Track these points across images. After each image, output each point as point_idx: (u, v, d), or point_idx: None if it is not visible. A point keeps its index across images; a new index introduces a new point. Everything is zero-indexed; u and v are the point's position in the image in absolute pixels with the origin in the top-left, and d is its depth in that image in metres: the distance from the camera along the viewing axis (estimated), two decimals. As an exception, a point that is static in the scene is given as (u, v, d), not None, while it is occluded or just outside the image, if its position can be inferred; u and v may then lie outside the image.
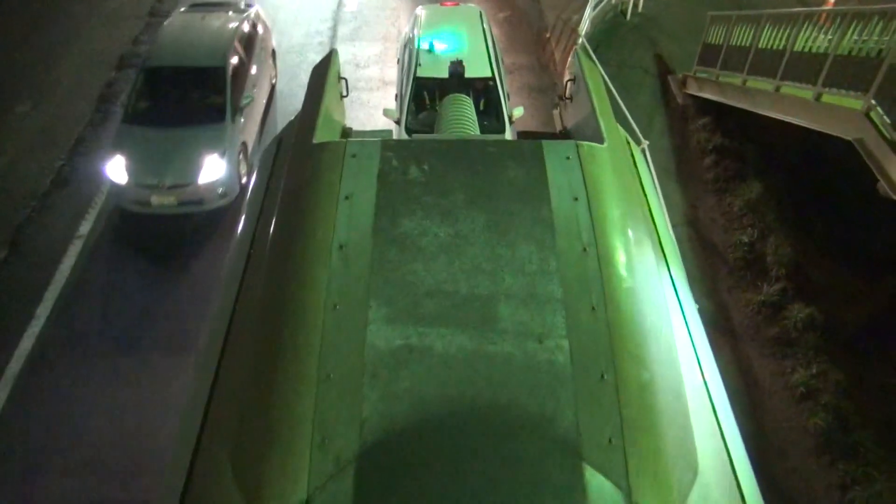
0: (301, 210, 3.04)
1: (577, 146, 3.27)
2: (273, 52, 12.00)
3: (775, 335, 7.73)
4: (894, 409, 6.94)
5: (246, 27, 10.76)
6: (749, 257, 8.64)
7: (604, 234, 2.90)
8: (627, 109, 9.45)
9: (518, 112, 9.01)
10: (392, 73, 11.84)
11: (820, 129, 8.14)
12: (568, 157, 3.21)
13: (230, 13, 11.08)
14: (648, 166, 3.98)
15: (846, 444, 6.58)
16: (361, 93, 11.80)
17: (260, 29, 11.36)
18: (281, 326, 2.63)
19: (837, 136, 7.79)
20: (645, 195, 3.62)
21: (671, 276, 3.20)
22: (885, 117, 7.17)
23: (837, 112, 7.87)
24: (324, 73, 4.12)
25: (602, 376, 2.44)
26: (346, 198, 2.99)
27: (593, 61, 4.36)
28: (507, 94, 9.30)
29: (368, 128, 10.83)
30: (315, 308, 2.61)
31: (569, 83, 4.49)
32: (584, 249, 2.83)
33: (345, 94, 4.46)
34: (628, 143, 4.05)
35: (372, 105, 11.46)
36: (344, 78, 4.40)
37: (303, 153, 3.35)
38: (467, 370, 2.43)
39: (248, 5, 11.59)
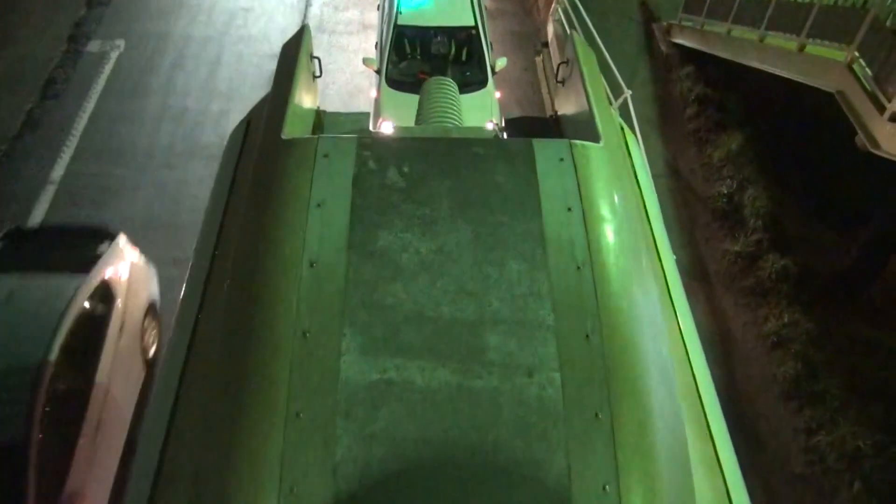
0: (268, 219, 2.74)
1: (571, 146, 2.99)
2: None
3: (750, 285, 7.86)
4: (860, 358, 7.15)
5: None
6: (727, 208, 8.72)
7: (599, 250, 2.66)
8: (611, 58, 9.34)
9: (501, 63, 8.81)
10: (372, 16, 11.55)
11: (802, 80, 8.12)
12: (561, 159, 2.94)
13: None
14: (641, 153, 3.84)
15: (813, 391, 6.78)
16: (340, 37, 11.52)
17: None
18: (245, 356, 2.37)
19: (819, 89, 7.78)
20: (641, 194, 3.40)
21: (668, 290, 3.00)
22: (867, 69, 7.16)
23: (820, 63, 7.84)
24: (294, 54, 3.69)
25: (596, 415, 2.24)
26: (318, 205, 2.70)
27: (588, 46, 4.06)
28: (490, 44, 9.09)
29: (347, 73, 10.63)
30: (283, 335, 2.36)
31: (561, 65, 4.16)
32: (578, 268, 2.59)
33: (318, 74, 4.12)
34: (623, 129, 3.81)
35: (351, 50, 11.21)
36: (316, 57, 4.07)
37: (270, 150, 3.04)
38: (450, 409, 2.23)
39: None
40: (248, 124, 3.72)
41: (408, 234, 2.64)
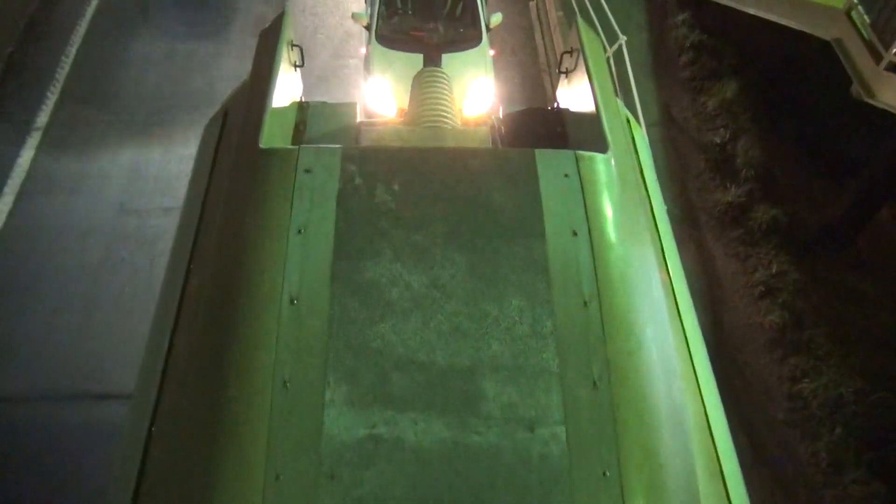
0: (244, 248, 2.48)
1: (577, 159, 2.73)
2: None
3: (740, 236, 7.91)
4: (846, 308, 7.26)
5: None
6: (720, 158, 8.69)
7: (609, 282, 2.43)
8: (606, 2, 9.15)
9: (496, 19, 8.52)
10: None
11: (799, 27, 8.00)
12: (566, 175, 2.68)
13: None
14: (647, 147, 3.62)
15: (799, 340, 6.91)
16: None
17: None
18: (219, 408, 2.15)
19: (816, 37, 7.68)
20: (650, 198, 3.17)
21: (681, 319, 2.76)
22: (865, 17, 7.06)
23: (818, 10, 7.71)
24: (273, 43, 3.35)
25: (604, 473, 2.07)
26: (299, 231, 2.45)
27: (595, 33, 3.87)
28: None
29: (336, 15, 10.36)
30: (262, 385, 2.15)
31: (564, 55, 3.88)
32: (585, 304, 2.36)
33: (300, 63, 3.85)
34: (629, 122, 3.56)
35: (343, 8, 10.86)
36: (298, 46, 3.77)
37: (247, 160, 2.76)
38: (445, 469, 2.05)
39: None
40: (224, 115, 3.45)
41: (398, 265, 2.40)
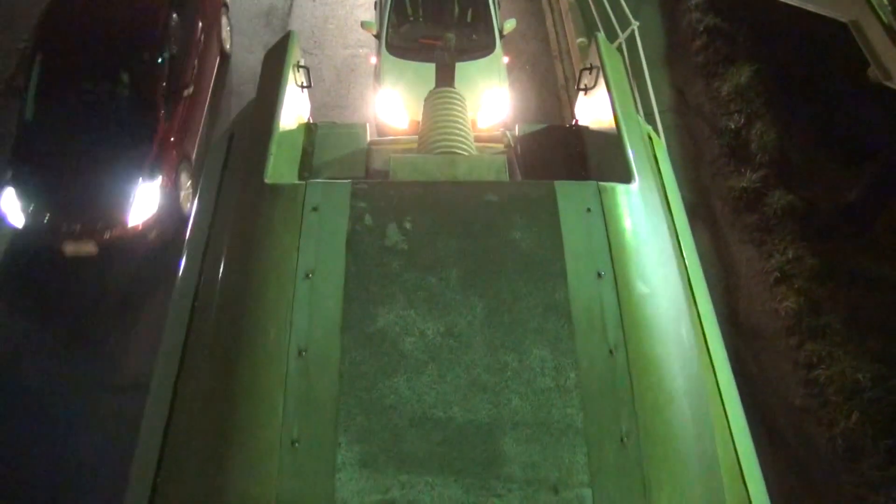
0: (249, 294, 2.35)
1: (600, 192, 2.57)
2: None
3: (755, 222, 7.84)
4: (862, 293, 7.18)
5: None
6: (734, 144, 8.61)
7: (636, 328, 2.27)
8: (619, -13, 9.05)
9: (510, 25, 8.27)
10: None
11: (815, 9, 7.88)
12: (588, 209, 2.52)
13: None
14: (670, 167, 3.46)
15: (815, 326, 6.85)
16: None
17: None
18: (224, 474, 2.01)
19: (832, 19, 7.56)
20: (675, 227, 3.00)
21: (710, 356, 2.61)
22: (883, -1, 6.94)
23: (834, -8, 7.60)
24: (279, 66, 3.23)
25: None
26: (307, 276, 2.32)
27: (613, 49, 3.64)
28: (498, 3, 8.56)
29: (347, 6, 10.32)
30: (268, 445, 2.02)
31: (584, 72, 3.71)
32: (611, 352, 2.22)
33: (307, 84, 3.70)
34: (650, 137, 3.42)
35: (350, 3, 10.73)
36: (304, 67, 3.62)
37: (252, 196, 2.64)
38: None
39: None
40: (230, 137, 3.36)
41: (411, 312, 2.26)
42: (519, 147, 3.79)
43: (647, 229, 2.58)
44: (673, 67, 9.78)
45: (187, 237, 3.07)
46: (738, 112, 8.84)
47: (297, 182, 2.67)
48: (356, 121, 6.02)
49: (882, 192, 7.64)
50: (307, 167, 3.43)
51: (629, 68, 8.33)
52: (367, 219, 2.46)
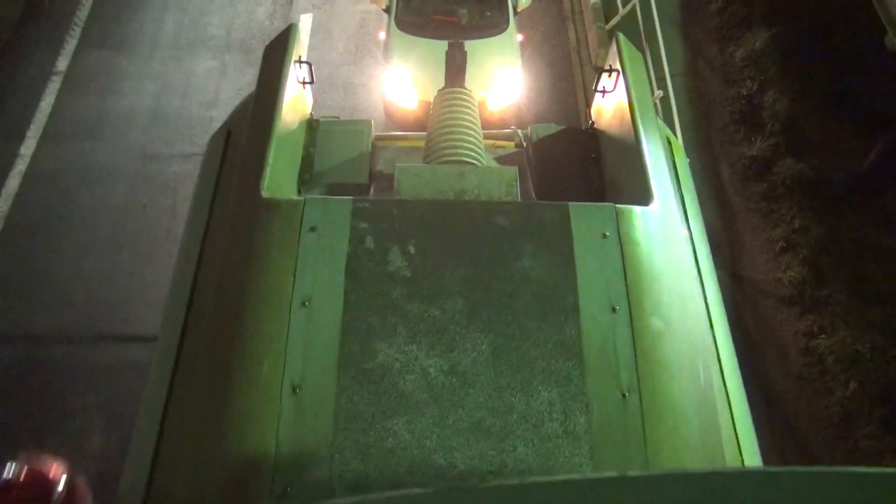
0: (240, 323, 2.21)
1: (617, 216, 2.42)
2: None
3: (762, 190, 7.80)
4: (867, 264, 7.18)
5: None
6: (745, 110, 8.51)
7: (651, 369, 2.15)
8: (634, -53, 8.84)
9: (524, 1, 8.01)
10: None
11: (835, -26, 7.71)
12: (605, 235, 2.38)
13: None
14: (687, 166, 3.31)
15: (818, 296, 6.87)
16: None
17: None
18: None
19: (852, -16, 7.40)
20: (693, 243, 2.84)
21: (729, 400, 2.44)
22: (905, -37, 6.78)
23: (856, -44, 7.42)
24: (279, 63, 3.07)
25: None
26: (303, 304, 2.20)
27: (635, 50, 3.39)
28: None
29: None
30: (258, 490, 1.89)
31: (603, 73, 3.55)
32: (624, 396, 2.10)
33: (309, 80, 3.52)
34: (669, 142, 3.24)
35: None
36: (307, 62, 3.43)
37: (247, 211, 2.51)
38: None
39: None
40: (227, 134, 3.22)
41: (413, 348, 2.14)
42: (531, 150, 3.65)
43: (666, 258, 2.45)
44: (687, 30, 9.61)
45: (182, 240, 2.97)
46: (751, 78, 8.72)
47: (294, 198, 2.54)
48: (364, 85, 5.83)
49: (894, 163, 7.57)
50: (308, 168, 3.32)
51: (642, 30, 8.21)
52: (369, 241, 2.33)
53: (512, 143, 3.85)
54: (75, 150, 7.91)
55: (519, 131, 3.87)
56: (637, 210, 2.48)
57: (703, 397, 2.24)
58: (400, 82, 7.65)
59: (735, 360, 2.68)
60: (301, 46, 3.36)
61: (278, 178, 2.69)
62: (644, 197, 2.56)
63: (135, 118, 8.24)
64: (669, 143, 3.30)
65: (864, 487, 1.30)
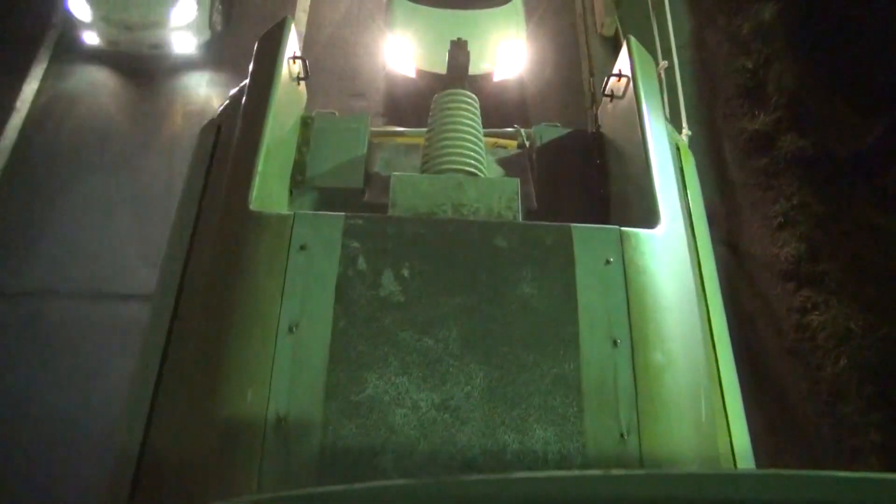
0: (225, 345, 2.13)
1: (622, 241, 2.32)
2: None
3: (763, 165, 7.78)
4: (864, 243, 7.20)
5: None
6: (750, 84, 8.44)
7: (652, 409, 2.07)
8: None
9: None
10: None
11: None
12: (608, 261, 2.28)
13: None
14: (695, 175, 3.23)
15: (813, 272, 6.91)
16: None
17: None
18: None
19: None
20: (699, 262, 2.75)
21: (731, 438, 2.38)
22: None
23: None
24: (272, 58, 2.91)
25: None
26: (290, 330, 2.10)
27: (647, 54, 3.27)
28: None
29: None
30: None
31: (611, 78, 3.38)
32: (622, 436, 2.02)
33: (303, 76, 3.35)
34: (679, 149, 3.13)
35: None
36: (301, 58, 3.27)
37: (234, 224, 2.41)
38: None
39: None
40: (218, 129, 3.11)
41: (404, 380, 2.04)
42: (534, 154, 3.55)
43: (671, 285, 2.36)
44: (695, 3, 9.48)
45: (169, 240, 2.88)
46: (757, 52, 8.63)
47: (283, 213, 2.42)
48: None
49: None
50: (301, 169, 3.22)
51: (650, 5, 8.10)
52: (361, 262, 2.23)
53: (514, 143, 3.74)
54: (73, 109, 7.78)
55: (522, 131, 3.75)
56: (643, 234, 2.38)
57: (703, 436, 2.19)
58: (400, 50, 7.54)
59: (738, 387, 2.62)
60: (296, 41, 3.25)
61: (268, 184, 2.59)
62: (650, 218, 2.47)
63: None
64: (678, 149, 3.20)
65: (844, 491, 1.31)
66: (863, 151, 7.68)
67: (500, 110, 6.92)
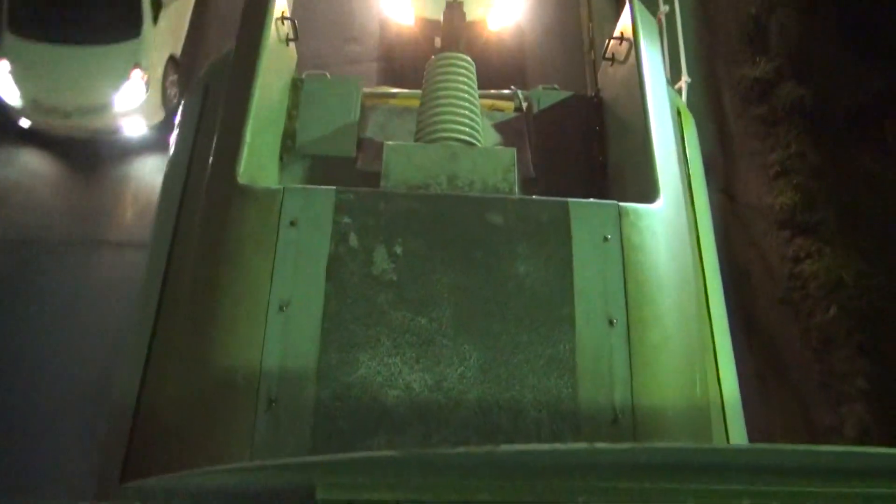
0: (213, 325, 2.09)
1: (620, 216, 2.27)
2: None
3: (762, 114, 7.72)
4: (861, 192, 7.22)
5: None
6: (752, 31, 8.30)
7: (646, 390, 2.06)
8: None
9: None
10: None
11: None
12: (606, 238, 2.24)
13: None
14: (696, 139, 3.16)
15: (808, 221, 6.94)
16: None
17: None
18: None
19: None
20: (699, 239, 2.71)
21: (725, 418, 2.37)
22: None
23: None
24: (259, 20, 2.79)
25: None
26: (281, 308, 2.05)
27: (650, 17, 3.17)
28: None
29: None
30: None
31: (612, 41, 3.27)
32: (616, 419, 2.01)
33: (293, 37, 3.23)
34: (679, 114, 3.05)
35: None
36: (290, 19, 3.15)
37: (222, 198, 2.34)
38: None
39: None
40: (205, 90, 3.00)
41: (396, 360, 2.02)
42: (532, 119, 3.45)
43: (669, 263, 2.33)
44: (699, -57, 9.24)
45: (157, 211, 2.79)
46: (762, -2, 8.47)
47: (273, 187, 2.35)
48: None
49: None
50: (291, 134, 3.13)
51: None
52: (352, 239, 2.18)
53: (511, 106, 3.64)
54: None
55: (519, 93, 3.63)
56: (642, 210, 2.35)
57: (697, 414, 2.20)
58: (397, 1, 7.40)
59: (733, 362, 2.63)
60: (285, 2, 3.12)
61: (257, 153, 2.52)
62: (650, 192, 2.43)
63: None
64: (680, 114, 3.14)
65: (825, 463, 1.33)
66: (863, 101, 7.62)
67: (496, 62, 6.81)
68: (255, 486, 1.45)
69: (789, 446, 1.33)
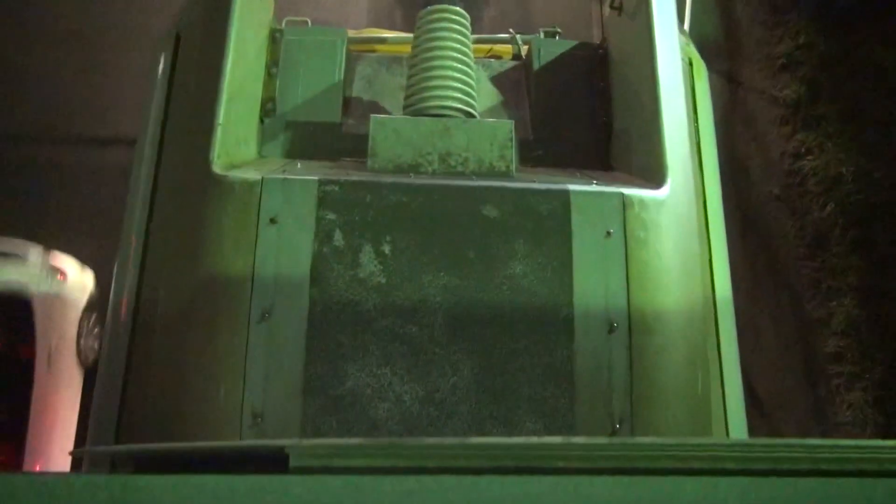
0: (192, 338, 1.99)
1: (625, 208, 2.14)
2: None
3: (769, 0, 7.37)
4: (869, 85, 7.00)
5: None
6: None
7: (647, 400, 1.99)
8: None
9: None
10: None
11: None
12: (608, 233, 2.12)
13: None
14: (707, 94, 2.91)
15: (811, 116, 6.76)
16: None
17: None
18: None
19: None
20: (708, 232, 2.54)
21: (727, 420, 2.29)
22: None
23: None
24: None
25: None
26: (263, 317, 1.95)
27: None
28: None
29: None
30: None
31: None
32: (615, 427, 1.96)
33: None
34: (691, 64, 2.83)
35: None
36: None
37: (195, 188, 2.18)
38: None
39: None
40: (177, 41, 2.73)
41: (386, 371, 1.94)
42: (532, 72, 3.19)
43: (675, 260, 2.23)
44: None
45: (131, 178, 2.58)
46: None
47: (250, 178, 2.16)
48: None
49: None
50: (270, 96, 2.88)
51: None
52: (337, 237, 2.06)
53: (510, 52, 3.39)
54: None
55: (518, 38, 3.39)
56: (647, 199, 2.22)
57: (698, 424, 2.15)
58: None
59: (738, 362, 2.55)
60: None
61: (234, 127, 2.35)
62: (656, 174, 2.30)
63: None
64: (691, 63, 2.92)
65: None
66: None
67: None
68: (227, 451, 1.43)
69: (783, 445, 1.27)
